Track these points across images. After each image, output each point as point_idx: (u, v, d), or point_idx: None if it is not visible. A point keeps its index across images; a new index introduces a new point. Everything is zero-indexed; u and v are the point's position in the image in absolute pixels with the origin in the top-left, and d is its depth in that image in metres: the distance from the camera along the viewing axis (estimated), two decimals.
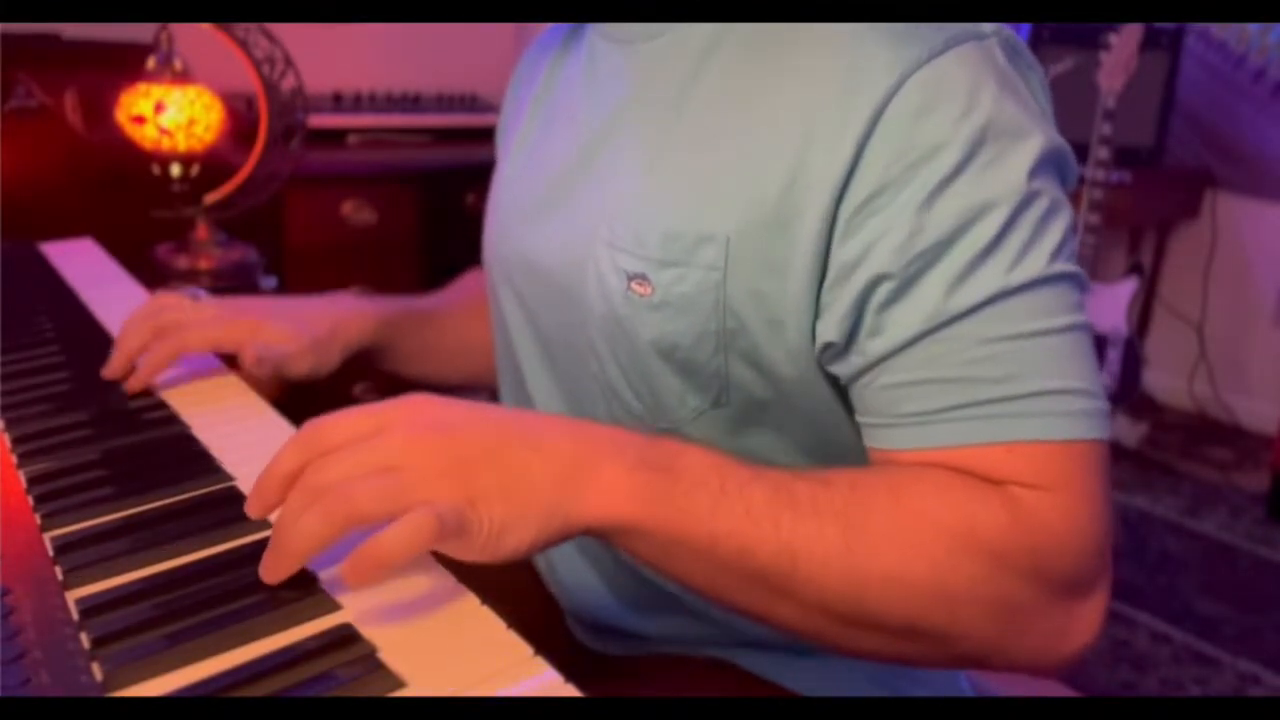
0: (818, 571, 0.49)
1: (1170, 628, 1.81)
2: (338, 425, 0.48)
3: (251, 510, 0.49)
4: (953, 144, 0.50)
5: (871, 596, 0.49)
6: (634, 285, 0.58)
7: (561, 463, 0.47)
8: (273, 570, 0.46)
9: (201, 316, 0.74)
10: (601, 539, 0.50)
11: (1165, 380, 2.83)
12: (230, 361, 0.77)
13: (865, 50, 0.52)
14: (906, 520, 0.50)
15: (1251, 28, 2.52)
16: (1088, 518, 0.51)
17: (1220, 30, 2.58)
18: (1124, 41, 2.19)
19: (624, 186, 0.60)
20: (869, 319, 0.53)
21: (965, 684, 0.75)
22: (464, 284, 0.92)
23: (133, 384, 0.72)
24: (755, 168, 0.54)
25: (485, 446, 0.47)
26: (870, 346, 0.53)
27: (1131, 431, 2.51)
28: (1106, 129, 2.22)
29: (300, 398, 0.82)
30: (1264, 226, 2.62)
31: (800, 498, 0.49)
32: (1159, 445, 2.58)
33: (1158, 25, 2.39)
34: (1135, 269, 2.52)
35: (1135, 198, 2.46)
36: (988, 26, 0.54)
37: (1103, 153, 2.22)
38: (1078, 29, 2.35)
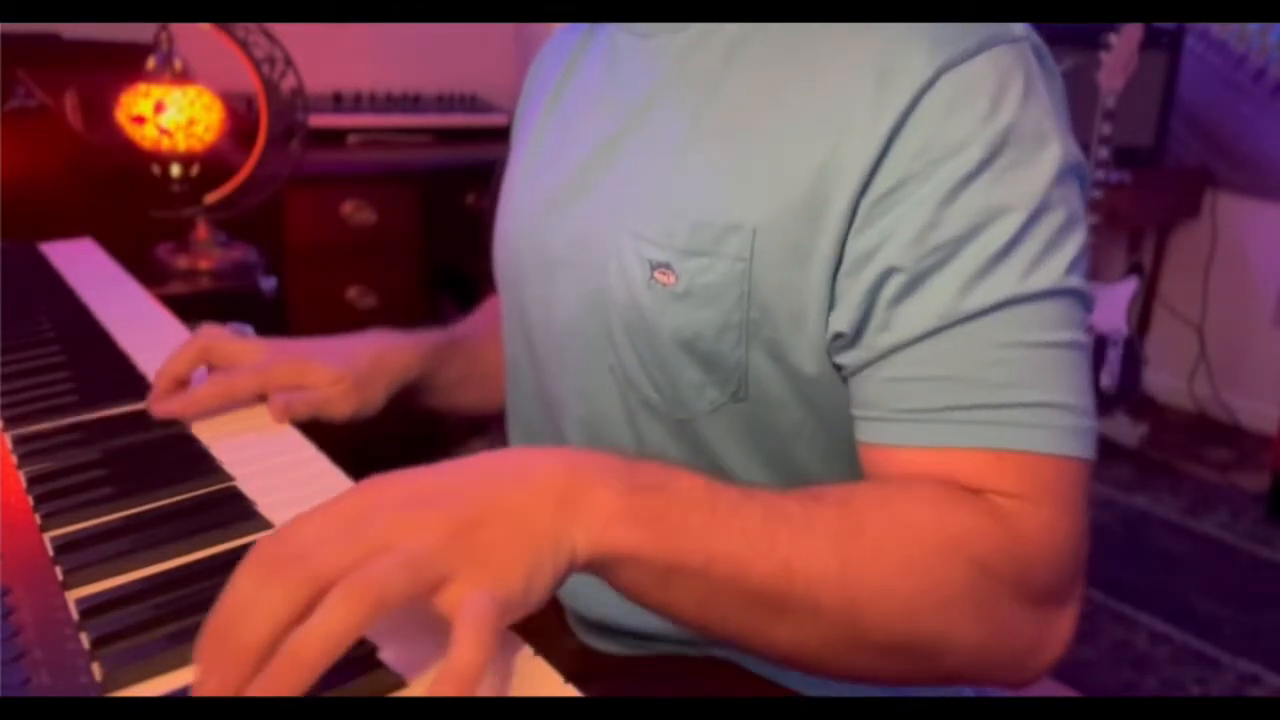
0: (814, 588, 0.47)
1: (1170, 628, 1.81)
2: (303, 531, 0.41)
3: (219, 676, 0.37)
4: (975, 143, 0.51)
5: (866, 610, 0.49)
6: (657, 275, 0.58)
7: (556, 491, 0.44)
8: (293, 686, 0.36)
9: (249, 359, 0.71)
10: (598, 573, 0.46)
11: (1165, 380, 2.83)
12: (263, 397, 0.72)
13: (900, 48, 0.52)
14: (897, 533, 0.49)
15: (1251, 28, 2.52)
16: (1066, 533, 0.52)
17: (1220, 30, 2.58)
18: (1124, 41, 2.19)
19: (651, 176, 0.60)
20: (879, 313, 0.53)
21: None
22: (489, 309, 0.90)
23: (168, 409, 0.68)
24: (786, 159, 0.54)
25: (477, 498, 0.42)
26: (878, 341, 0.53)
27: (1131, 431, 2.51)
28: (1106, 129, 2.22)
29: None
30: (1264, 226, 2.62)
31: (793, 516, 0.48)
32: (1159, 445, 2.58)
33: (1158, 25, 2.39)
34: (1135, 269, 2.52)
35: (1135, 198, 2.47)
36: (1019, 28, 0.54)
37: (1103, 153, 2.22)
38: (1078, 29, 2.35)
